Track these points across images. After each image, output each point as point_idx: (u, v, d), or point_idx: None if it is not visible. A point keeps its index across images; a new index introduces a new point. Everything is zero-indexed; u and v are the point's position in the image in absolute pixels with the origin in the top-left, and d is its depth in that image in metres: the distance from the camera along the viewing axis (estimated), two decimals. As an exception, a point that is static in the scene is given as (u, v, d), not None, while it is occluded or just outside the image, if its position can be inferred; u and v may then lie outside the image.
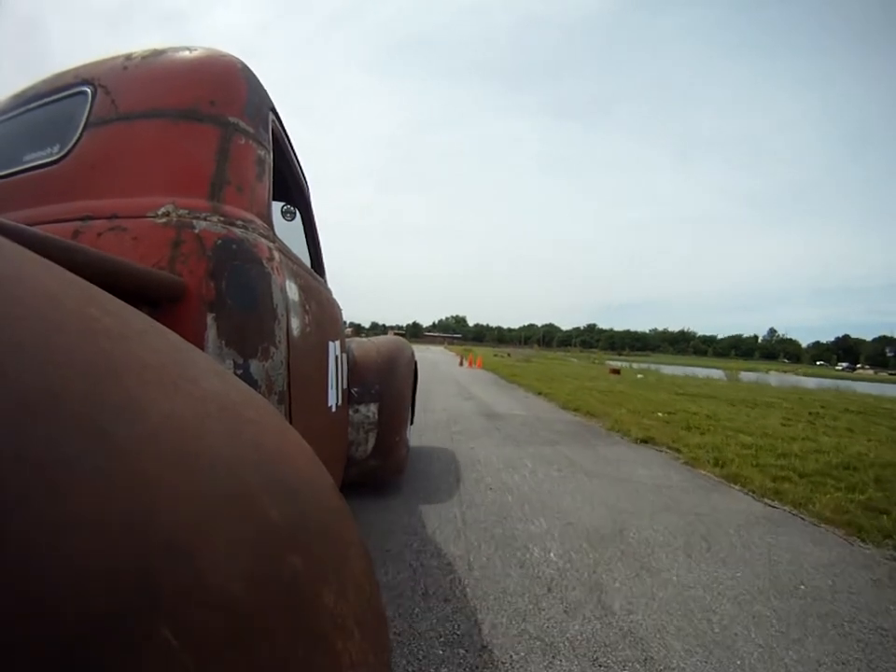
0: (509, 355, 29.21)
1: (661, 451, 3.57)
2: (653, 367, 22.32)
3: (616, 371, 14.76)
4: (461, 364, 15.35)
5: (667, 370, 20.82)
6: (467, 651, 1.18)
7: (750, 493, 2.67)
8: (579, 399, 6.40)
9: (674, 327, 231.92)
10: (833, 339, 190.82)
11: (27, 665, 0.14)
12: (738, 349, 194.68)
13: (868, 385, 18.91)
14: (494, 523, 1.99)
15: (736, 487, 2.76)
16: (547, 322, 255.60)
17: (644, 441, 3.81)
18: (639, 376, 13.97)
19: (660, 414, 5.28)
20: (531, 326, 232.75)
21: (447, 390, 7.09)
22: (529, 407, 5.75)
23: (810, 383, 16.72)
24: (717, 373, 18.96)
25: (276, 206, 1.36)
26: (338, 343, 1.55)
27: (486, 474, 2.72)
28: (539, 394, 7.27)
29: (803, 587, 1.61)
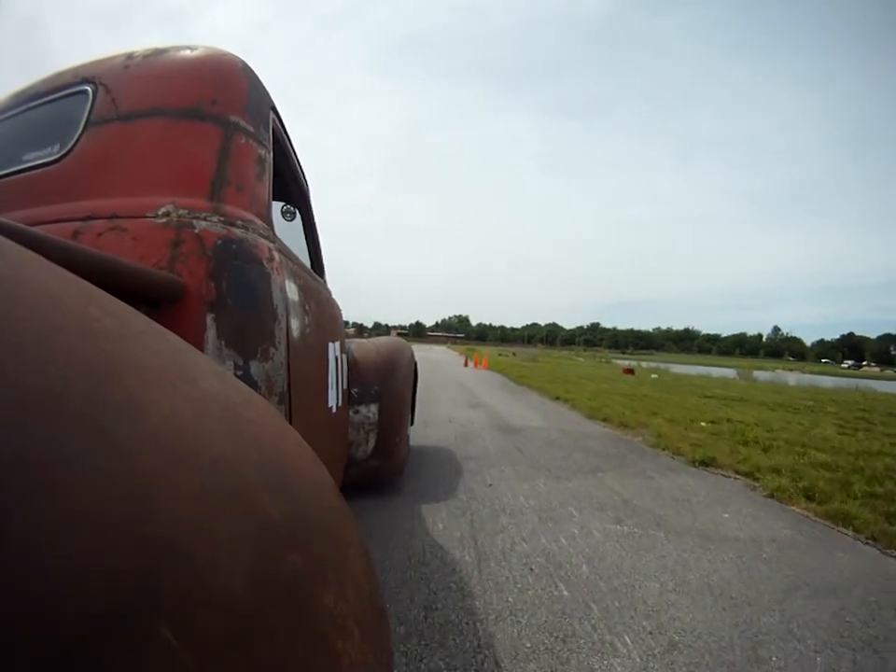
0: (514, 354, 28.47)
1: (730, 478, 2.85)
2: (662, 366, 21.77)
3: (630, 371, 14.05)
4: (466, 365, 14.61)
5: (677, 369, 20.32)
6: None
7: (871, 542, 2.01)
8: (603, 405, 5.67)
9: (677, 325, 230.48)
10: (837, 336, 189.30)
11: (27, 664, 0.14)
12: (743, 347, 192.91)
13: (884, 384, 18.37)
14: (548, 655, 1.15)
15: (850, 534, 2.10)
16: (550, 321, 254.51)
17: (704, 464, 3.08)
18: (654, 376, 13.29)
19: (703, 424, 4.57)
20: (534, 325, 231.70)
21: (452, 396, 6.33)
22: (549, 416, 4.99)
23: (826, 381, 16.31)
24: (728, 372, 18.45)
25: (276, 206, 1.29)
26: (338, 343, 1.52)
27: (519, 538, 1.83)
28: (556, 399, 6.53)
29: None
